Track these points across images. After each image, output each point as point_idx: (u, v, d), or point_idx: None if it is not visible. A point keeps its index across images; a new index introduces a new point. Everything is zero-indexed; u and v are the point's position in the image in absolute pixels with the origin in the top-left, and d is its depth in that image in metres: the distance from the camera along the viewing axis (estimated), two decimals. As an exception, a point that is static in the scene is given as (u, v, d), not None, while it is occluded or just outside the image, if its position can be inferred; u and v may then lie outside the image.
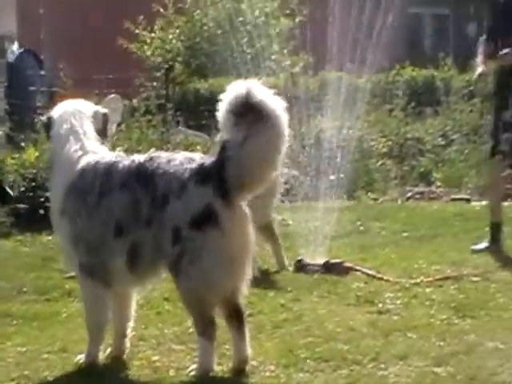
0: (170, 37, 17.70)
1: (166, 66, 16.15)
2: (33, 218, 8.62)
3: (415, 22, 23.42)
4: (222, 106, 4.15)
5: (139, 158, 4.42)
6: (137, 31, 17.40)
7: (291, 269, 6.79)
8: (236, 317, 4.35)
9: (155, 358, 4.66)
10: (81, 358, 4.58)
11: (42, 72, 15.96)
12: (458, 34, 23.06)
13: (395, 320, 5.33)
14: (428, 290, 6.03)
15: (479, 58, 7.57)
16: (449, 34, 23.42)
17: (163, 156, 4.36)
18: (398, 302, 5.74)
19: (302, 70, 13.29)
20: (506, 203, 7.69)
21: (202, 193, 4.15)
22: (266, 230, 6.66)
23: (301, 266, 6.77)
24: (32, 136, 10.57)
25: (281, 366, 4.45)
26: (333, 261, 6.72)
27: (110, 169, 4.42)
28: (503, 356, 4.54)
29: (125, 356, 4.66)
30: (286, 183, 7.55)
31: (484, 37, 7.53)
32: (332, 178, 7.58)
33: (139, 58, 17.52)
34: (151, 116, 12.65)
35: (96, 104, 5.02)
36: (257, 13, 15.84)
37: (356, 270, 6.60)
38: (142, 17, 17.14)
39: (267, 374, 4.38)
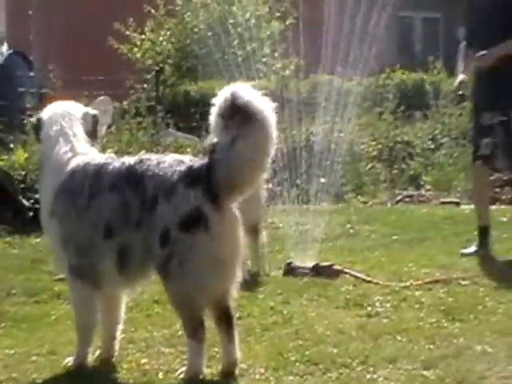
0: (161, 39, 17.69)
1: (157, 68, 16.12)
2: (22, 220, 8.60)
3: (406, 26, 23.45)
4: (213, 109, 4.15)
5: (129, 160, 4.41)
6: (127, 33, 17.39)
7: (266, 273, 6.76)
8: (225, 319, 4.35)
9: (144, 360, 4.65)
10: (69, 360, 4.57)
11: (32, 73, 15.92)
12: (448, 38, 23.09)
13: (384, 323, 5.34)
14: (417, 293, 6.04)
15: (460, 65, 7.59)
16: (439, 38, 23.45)
17: (153, 158, 4.35)
18: (388, 305, 5.74)
19: (292, 73, 13.29)
20: (493, 207, 7.69)
21: (191, 195, 4.14)
22: (252, 233, 6.59)
23: (290, 269, 6.76)
24: (21, 137, 10.55)
25: (270, 369, 4.45)
26: (322, 264, 6.72)
27: (99, 170, 4.41)
28: (492, 359, 4.55)
29: (114, 359, 4.65)
30: (278, 186, 7.57)
31: (464, 43, 7.55)
32: (322, 180, 7.58)
33: (129, 59, 17.51)
34: (141, 118, 12.64)
35: (86, 106, 5.01)
36: (247, 15, 15.84)
37: (345, 273, 6.61)
38: (131, 19, 17.12)
39: (257, 376, 4.38)
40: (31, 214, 8.34)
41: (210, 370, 4.37)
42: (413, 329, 5.15)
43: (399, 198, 11.41)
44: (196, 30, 16.90)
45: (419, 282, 6.29)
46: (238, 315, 4.85)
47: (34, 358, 4.78)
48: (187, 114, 13.74)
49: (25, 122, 10.87)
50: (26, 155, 9.53)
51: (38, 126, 4.72)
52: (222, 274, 4.23)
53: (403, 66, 17.04)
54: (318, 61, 7.89)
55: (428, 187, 11.99)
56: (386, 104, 13.87)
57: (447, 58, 16.21)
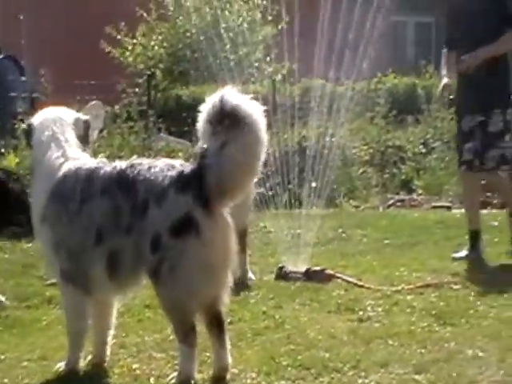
0: (152, 43, 17.69)
1: (148, 73, 16.11)
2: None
3: (398, 30, 23.46)
4: (201, 116, 4.15)
5: (121, 164, 4.40)
6: (119, 37, 17.38)
7: (253, 279, 6.75)
8: (217, 324, 4.34)
9: (136, 365, 4.64)
10: (61, 365, 4.56)
11: (23, 78, 15.88)
12: (440, 42, 23.11)
13: (376, 327, 5.34)
14: (409, 297, 6.03)
15: (443, 70, 7.60)
16: (431, 42, 23.47)
17: (144, 163, 4.34)
18: (379, 309, 5.74)
19: (284, 77, 13.29)
20: (485, 211, 7.69)
21: (181, 200, 4.13)
22: (239, 237, 6.55)
23: (282, 274, 6.76)
24: (12, 142, 10.53)
25: (262, 374, 4.44)
26: (314, 268, 6.72)
27: (91, 175, 4.41)
28: (483, 364, 4.54)
29: (105, 364, 4.64)
30: (270, 190, 7.56)
31: (445, 48, 7.57)
32: (314, 185, 7.58)
33: (121, 63, 17.49)
34: (133, 122, 12.64)
35: (78, 110, 5.01)
36: (239, 20, 15.85)
37: (337, 278, 6.61)
38: (123, 23, 17.12)
39: (248, 381, 4.37)
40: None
41: (201, 375, 4.36)
42: (404, 333, 5.15)
43: (391, 202, 11.43)
44: (188, 34, 16.91)
45: (411, 287, 6.29)
46: (229, 320, 4.83)
47: (25, 363, 4.76)
48: (179, 119, 13.73)
49: (16, 126, 10.86)
50: (17, 160, 9.51)
51: (29, 132, 4.71)
52: (213, 279, 4.22)
53: (395, 71, 17.03)
54: (310, 65, 7.89)
55: (420, 191, 12.01)
56: (378, 108, 13.87)
57: (439, 63, 16.23)
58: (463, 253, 7.35)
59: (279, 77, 13.90)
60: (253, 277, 6.76)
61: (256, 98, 4.16)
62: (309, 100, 8.31)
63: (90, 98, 12.78)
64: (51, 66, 13.87)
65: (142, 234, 4.20)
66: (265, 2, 16.76)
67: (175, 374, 4.30)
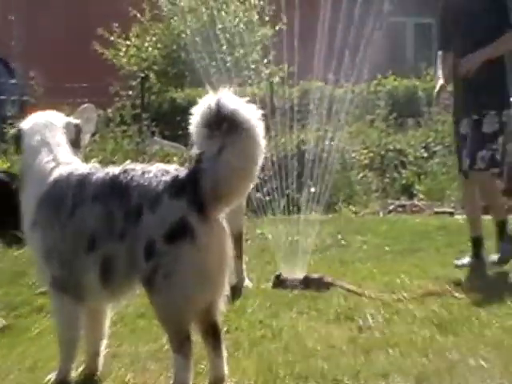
0: (146, 44, 17.58)
1: (142, 75, 16.01)
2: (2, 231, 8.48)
3: (398, 32, 23.43)
4: (194, 119, 4.06)
5: (113, 169, 4.32)
6: (111, 38, 17.27)
7: (250, 286, 6.67)
8: (212, 333, 4.26)
9: (129, 376, 4.55)
10: (52, 376, 4.46)
11: (13, 81, 15.79)
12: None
13: (376, 337, 5.23)
14: (410, 305, 5.94)
15: (438, 71, 7.56)
16: (432, 44, 23.44)
17: (138, 168, 4.26)
18: (379, 318, 5.65)
19: (282, 80, 13.22)
20: (487, 217, 7.62)
21: (176, 206, 4.04)
22: (235, 242, 6.47)
23: (280, 282, 6.67)
24: (2, 146, 10.45)
25: (259, 384, 4.34)
26: (312, 276, 6.63)
27: (83, 180, 4.33)
28: (486, 374, 4.46)
29: (98, 374, 4.54)
30: (267, 195, 7.49)
31: (440, 51, 7.54)
32: (313, 190, 7.49)
33: (114, 65, 17.37)
34: (126, 126, 12.57)
35: (69, 114, 4.95)
36: (236, 21, 15.77)
37: (336, 285, 6.51)
38: (116, 24, 17.02)
39: (245, 392, 4.28)
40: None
41: (196, 387, 4.26)
42: (405, 342, 5.05)
43: (391, 207, 11.35)
44: (183, 35, 16.80)
45: (412, 296, 6.19)
46: (225, 329, 4.78)
47: (15, 373, 4.68)
48: (173, 122, 13.62)
49: (5, 130, 10.77)
50: (7, 164, 9.44)
51: (18, 137, 4.65)
52: (209, 286, 4.14)
53: (395, 73, 16.98)
54: (309, 67, 7.81)
55: (421, 196, 11.93)
56: (378, 111, 13.80)
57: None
58: (466, 260, 7.27)
59: (277, 79, 13.81)
60: (250, 284, 6.68)
61: (253, 101, 4.08)
62: (307, 103, 8.26)
63: (82, 101, 12.65)
64: (41, 68, 13.76)
65: (135, 241, 4.11)
66: (262, 3, 16.68)
67: (170, 384, 4.19)
